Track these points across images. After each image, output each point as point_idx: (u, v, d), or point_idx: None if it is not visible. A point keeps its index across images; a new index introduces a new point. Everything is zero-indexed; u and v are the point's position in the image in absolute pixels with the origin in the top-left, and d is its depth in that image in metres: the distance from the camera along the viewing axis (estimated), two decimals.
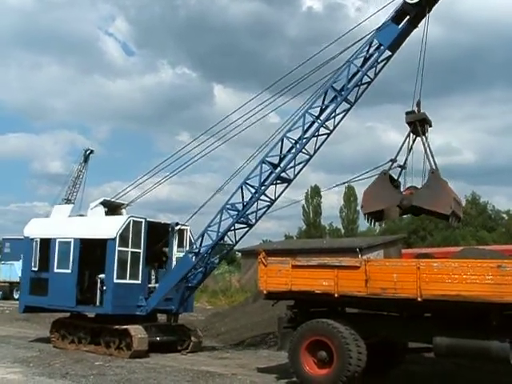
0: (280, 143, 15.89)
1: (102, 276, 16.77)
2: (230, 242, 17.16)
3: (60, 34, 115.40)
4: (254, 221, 16.47)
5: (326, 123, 15.55)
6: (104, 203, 18.04)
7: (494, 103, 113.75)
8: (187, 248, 17.76)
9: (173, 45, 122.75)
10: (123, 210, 18.47)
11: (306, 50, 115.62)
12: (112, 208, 18.23)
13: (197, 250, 16.80)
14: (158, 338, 16.57)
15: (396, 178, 13.68)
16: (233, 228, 16.46)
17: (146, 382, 12.24)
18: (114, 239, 16.58)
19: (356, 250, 39.58)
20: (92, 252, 17.25)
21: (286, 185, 16.30)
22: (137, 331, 15.71)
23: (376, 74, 15.21)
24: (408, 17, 14.56)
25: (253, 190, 16.15)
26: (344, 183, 19.00)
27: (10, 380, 11.96)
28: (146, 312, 16.78)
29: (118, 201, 18.36)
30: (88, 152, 57.60)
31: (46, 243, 17.63)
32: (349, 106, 15.52)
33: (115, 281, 16.39)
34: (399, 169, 13.65)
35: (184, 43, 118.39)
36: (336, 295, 11.52)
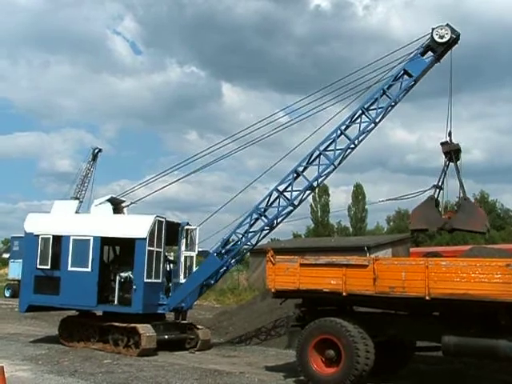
0: (313, 156, 16.56)
1: (124, 274, 16.88)
2: (249, 244, 17.54)
3: (69, 33, 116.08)
4: (275, 224, 17.15)
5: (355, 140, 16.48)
6: (110, 200, 18.08)
7: (503, 102, 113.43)
8: (192, 247, 18.03)
9: (180, 43, 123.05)
10: (124, 209, 18.49)
11: (313, 49, 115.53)
12: (114, 204, 18.19)
13: (223, 251, 17.14)
14: (166, 336, 16.63)
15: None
16: (259, 231, 17.05)
17: (154, 380, 12.27)
18: (145, 239, 16.65)
19: (364, 249, 39.42)
20: (108, 250, 17.23)
21: (309, 192, 17.34)
22: (145, 329, 15.74)
23: (399, 101, 16.34)
24: (433, 52, 15.92)
25: (287, 197, 16.72)
26: (392, 199, 19.58)
27: (19, 377, 12.00)
28: (168, 310, 17.10)
29: (121, 198, 18.40)
30: (96, 151, 57.65)
31: (55, 240, 17.06)
32: (373, 125, 16.37)
33: (145, 280, 16.50)
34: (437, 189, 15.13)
35: (192, 42, 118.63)
36: (344, 294, 11.52)
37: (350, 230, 79.95)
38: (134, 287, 16.42)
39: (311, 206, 79.66)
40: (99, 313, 17.72)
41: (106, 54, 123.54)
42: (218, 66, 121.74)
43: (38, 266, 17.05)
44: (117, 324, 16.26)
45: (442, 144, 14.99)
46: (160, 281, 17.13)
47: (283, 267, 12.49)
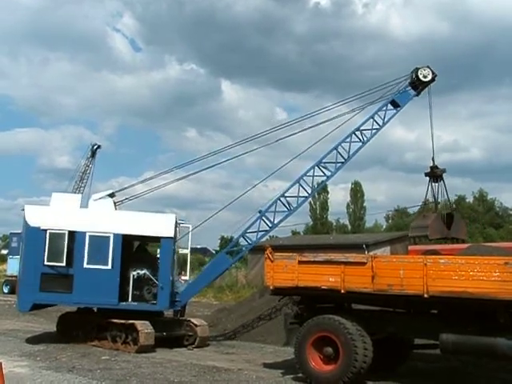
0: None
1: (140, 272, 16.93)
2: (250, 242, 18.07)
3: (69, 30, 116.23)
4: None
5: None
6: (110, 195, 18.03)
7: (501, 100, 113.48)
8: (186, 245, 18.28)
9: (180, 41, 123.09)
10: (116, 205, 18.30)
11: (312, 47, 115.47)
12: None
13: (232, 250, 17.77)
14: (164, 333, 16.61)
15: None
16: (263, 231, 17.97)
17: (152, 376, 12.28)
18: (172, 238, 16.89)
19: (362, 246, 39.38)
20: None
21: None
22: (143, 326, 15.73)
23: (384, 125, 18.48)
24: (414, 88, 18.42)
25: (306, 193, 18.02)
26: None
27: (17, 373, 12.00)
28: (180, 306, 17.39)
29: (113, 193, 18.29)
30: (95, 147, 57.49)
31: (68, 236, 16.34)
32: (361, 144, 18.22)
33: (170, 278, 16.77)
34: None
35: (191, 39, 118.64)
36: (342, 291, 11.53)
37: (349, 227, 79.95)
38: (161, 285, 16.55)
39: (310, 203, 79.61)
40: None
41: (106, 52, 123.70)
42: (217, 64, 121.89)
43: (46, 263, 16.22)
44: (115, 320, 16.23)
45: (432, 168, 17.90)
46: (172, 278, 17.30)
47: (281, 264, 12.49)
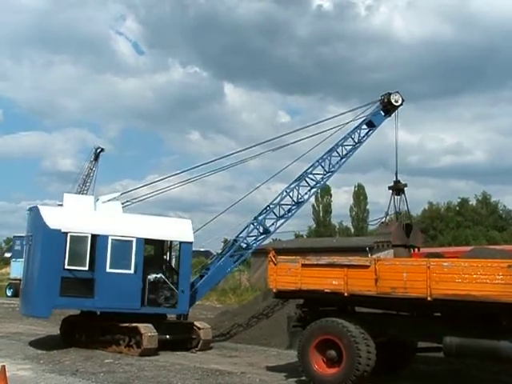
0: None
1: (155, 276, 16.97)
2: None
3: (72, 33, 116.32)
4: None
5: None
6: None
7: (505, 103, 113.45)
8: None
9: (183, 44, 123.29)
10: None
11: (315, 50, 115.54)
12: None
13: (235, 255, 18.47)
14: (167, 336, 16.59)
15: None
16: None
17: (155, 379, 12.28)
18: (191, 243, 17.19)
19: (366, 249, 39.37)
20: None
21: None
22: (147, 329, 15.70)
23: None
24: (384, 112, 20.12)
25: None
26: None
27: (20, 376, 12.02)
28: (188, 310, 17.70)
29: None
30: (98, 150, 57.68)
31: (87, 239, 15.88)
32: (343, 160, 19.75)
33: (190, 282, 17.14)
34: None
35: (194, 42, 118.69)
36: (346, 294, 11.51)
37: (352, 230, 79.93)
38: (182, 289, 16.85)
39: (313, 206, 79.67)
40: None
41: (109, 55, 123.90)
42: (220, 67, 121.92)
43: (67, 267, 15.68)
44: (118, 324, 16.22)
45: (395, 182, 19.34)
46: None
47: (285, 267, 12.49)
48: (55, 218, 16.23)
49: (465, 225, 74.23)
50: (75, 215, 16.63)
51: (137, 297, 16.33)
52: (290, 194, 19.12)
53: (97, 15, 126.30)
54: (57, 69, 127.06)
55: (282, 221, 19.17)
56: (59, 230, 15.80)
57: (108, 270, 16.08)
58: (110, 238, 16.16)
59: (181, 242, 17.20)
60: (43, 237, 16.22)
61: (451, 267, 10.41)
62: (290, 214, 19.22)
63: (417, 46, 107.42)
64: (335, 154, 19.41)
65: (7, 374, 8.41)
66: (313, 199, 76.98)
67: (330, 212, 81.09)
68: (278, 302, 19.29)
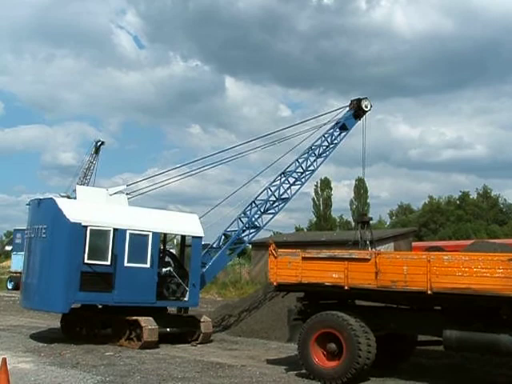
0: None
1: (166, 270, 17.16)
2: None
3: (73, 27, 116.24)
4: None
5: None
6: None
7: (506, 98, 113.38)
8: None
9: (184, 38, 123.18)
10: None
11: (316, 43, 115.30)
12: None
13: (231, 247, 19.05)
14: (168, 329, 16.61)
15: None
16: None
17: (156, 372, 12.29)
18: (201, 238, 17.55)
19: (366, 243, 39.38)
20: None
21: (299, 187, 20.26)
22: (147, 322, 15.70)
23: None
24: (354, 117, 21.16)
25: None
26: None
27: (21, 369, 12.03)
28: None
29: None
30: (99, 143, 57.70)
31: (109, 233, 15.69)
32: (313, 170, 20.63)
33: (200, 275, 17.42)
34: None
35: (195, 36, 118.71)
36: (346, 287, 11.52)
37: (352, 224, 79.93)
38: (193, 282, 17.13)
39: (313, 199, 79.79)
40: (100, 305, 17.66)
41: (110, 48, 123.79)
42: (221, 61, 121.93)
43: (87, 261, 15.35)
44: (119, 317, 16.21)
45: (360, 215, 22.90)
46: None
47: (285, 261, 12.49)
48: (74, 210, 15.88)
49: (465, 219, 74.34)
50: (93, 208, 16.41)
51: (152, 290, 16.32)
52: (272, 190, 19.68)
53: (97, 9, 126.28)
54: (58, 63, 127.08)
55: (270, 216, 19.77)
56: (79, 224, 15.45)
57: (126, 264, 15.92)
58: (127, 232, 15.98)
59: (193, 237, 17.43)
60: (62, 230, 15.73)
61: (451, 261, 10.41)
62: (277, 210, 19.75)
63: (418, 40, 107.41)
64: (312, 154, 20.34)
65: (8, 367, 8.40)
66: (313, 192, 77.11)
67: (331, 205, 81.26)
68: (278, 296, 19.31)
